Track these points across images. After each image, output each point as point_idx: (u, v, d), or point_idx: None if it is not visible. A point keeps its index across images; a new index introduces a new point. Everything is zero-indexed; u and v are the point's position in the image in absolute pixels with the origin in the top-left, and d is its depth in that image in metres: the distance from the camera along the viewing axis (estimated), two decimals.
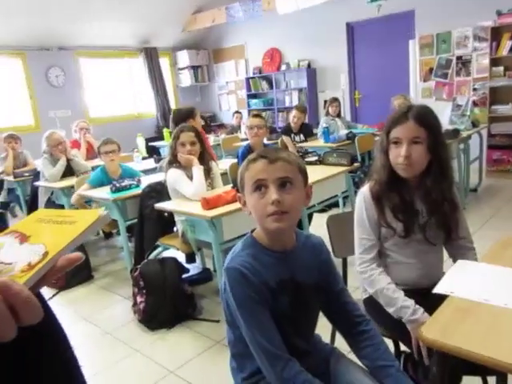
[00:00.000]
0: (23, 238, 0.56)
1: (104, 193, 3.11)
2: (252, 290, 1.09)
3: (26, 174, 4.59)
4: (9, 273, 0.48)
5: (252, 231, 1.21)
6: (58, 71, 6.95)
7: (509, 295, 1.08)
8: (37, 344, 0.45)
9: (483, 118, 5.43)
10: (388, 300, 1.46)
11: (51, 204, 3.92)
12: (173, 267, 2.71)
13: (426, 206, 1.50)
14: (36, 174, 4.49)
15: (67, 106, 7.01)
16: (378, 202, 1.53)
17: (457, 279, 1.20)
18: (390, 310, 1.45)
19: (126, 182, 3.11)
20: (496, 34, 5.32)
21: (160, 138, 6.80)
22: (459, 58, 5.83)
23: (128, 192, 3.08)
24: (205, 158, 2.74)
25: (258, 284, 1.09)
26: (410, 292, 1.47)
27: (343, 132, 4.98)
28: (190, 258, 3.06)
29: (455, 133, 4.24)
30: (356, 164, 3.38)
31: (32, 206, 4.31)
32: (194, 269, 3.20)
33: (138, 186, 3.18)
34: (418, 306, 1.39)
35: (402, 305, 1.42)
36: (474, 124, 4.83)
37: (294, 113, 5.05)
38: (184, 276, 2.96)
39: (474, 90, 5.73)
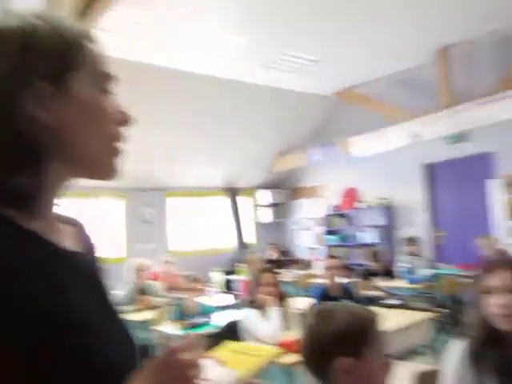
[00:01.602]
0: (221, 363, 0.71)
1: (177, 329, 3.13)
2: None
3: None
4: None
5: None
6: (149, 209, 7.69)
7: None
8: None
9: None
10: None
11: None
12: None
13: None
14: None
15: (153, 240, 7.58)
16: (475, 362, 1.36)
17: None
18: None
19: (200, 319, 3.14)
20: None
21: (234, 272, 6.95)
22: None
23: (201, 330, 3.08)
24: (282, 298, 2.73)
25: None
26: None
27: (426, 272, 4.75)
28: None
29: None
30: (441, 309, 3.14)
31: None
32: None
33: (208, 323, 3.18)
34: None
35: None
36: None
37: (371, 266, 5.01)
38: None
39: None
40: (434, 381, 1.56)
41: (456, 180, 6.59)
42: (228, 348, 0.84)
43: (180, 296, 3.82)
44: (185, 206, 8.34)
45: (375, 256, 5.07)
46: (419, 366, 3.73)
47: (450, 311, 3.86)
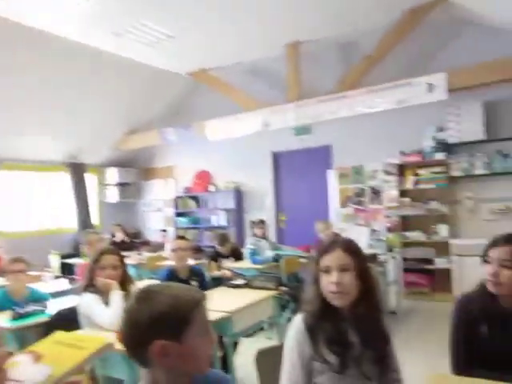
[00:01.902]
0: (37, 358, 0.65)
1: (2, 320, 2.71)
2: None
3: None
4: None
5: None
6: None
7: None
8: None
9: (397, 243, 5.83)
10: None
11: None
12: None
13: (359, 338, 1.46)
14: None
15: None
16: (311, 334, 1.47)
17: None
18: None
19: (31, 308, 2.77)
20: (401, 169, 6.03)
21: (79, 255, 6.42)
22: (372, 188, 6.43)
23: (32, 319, 2.72)
24: (126, 281, 2.56)
25: None
26: None
27: (269, 253, 5.04)
28: None
29: (372, 257, 4.46)
30: (283, 288, 3.35)
31: None
32: None
33: (43, 312, 2.83)
34: None
35: None
36: (390, 248, 5.16)
37: (219, 248, 5.08)
38: None
39: (387, 217, 6.24)
40: (276, 355, 1.61)
41: (300, 169, 7.15)
42: (51, 340, 0.72)
43: (5, 282, 3.32)
44: (20, 181, 7.32)
45: (225, 238, 5.17)
46: (263, 342, 3.96)
47: (291, 289, 4.17)
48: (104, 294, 2.45)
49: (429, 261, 5.79)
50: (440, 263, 5.67)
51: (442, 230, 5.72)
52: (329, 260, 1.47)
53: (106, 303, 2.41)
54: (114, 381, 2.30)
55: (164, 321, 0.97)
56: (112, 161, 8.54)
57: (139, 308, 0.99)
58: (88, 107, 6.79)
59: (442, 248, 5.64)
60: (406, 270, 5.84)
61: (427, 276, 5.82)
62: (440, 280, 5.75)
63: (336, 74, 6.07)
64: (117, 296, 2.39)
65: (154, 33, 5.46)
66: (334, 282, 1.42)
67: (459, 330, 1.59)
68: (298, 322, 1.52)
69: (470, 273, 5.14)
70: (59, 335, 0.78)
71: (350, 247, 1.50)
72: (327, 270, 1.47)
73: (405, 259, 5.88)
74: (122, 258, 2.56)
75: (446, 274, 5.56)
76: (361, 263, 1.48)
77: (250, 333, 3.86)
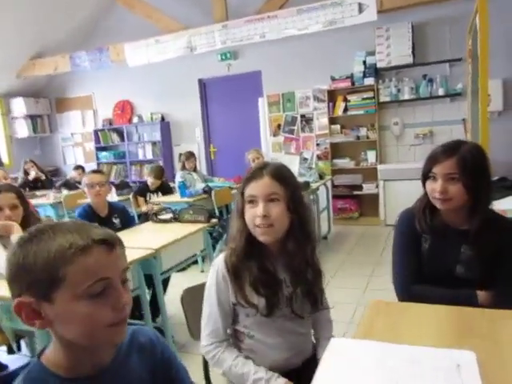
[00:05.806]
0: None
1: None
2: None
3: None
4: None
5: (40, 354, 0.81)
6: None
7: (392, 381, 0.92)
8: None
9: (327, 171, 5.87)
10: (239, 377, 1.26)
11: None
12: None
13: (289, 275, 1.30)
14: None
15: None
16: (235, 275, 1.28)
17: (335, 365, 1.01)
18: None
19: None
20: (331, 96, 5.91)
21: None
22: (303, 116, 6.29)
23: None
24: (30, 222, 2.22)
25: None
26: (280, 374, 1.26)
27: (200, 186, 4.82)
28: (10, 350, 2.41)
29: (306, 185, 4.41)
30: (213, 220, 3.19)
31: None
32: (16, 360, 2.53)
33: None
34: (271, 373, 1.24)
35: (254, 378, 1.24)
36: (321, 176, 5.16)
37: (150, 180, 4.77)
38: (2, 374, 2.31)
39: (318, 145, 6.21)
40: (201, 294, 1.44)
41: (230, 97, 6.79)
42: None
43: None
44: None
45: (162, 171, 4.87)
46: (196, 275, 3.88)
47: (222, 221, 4.04)
48: (3, 237, 2.11)
49: (357, 187, 5.92)
50: (368, 189, 5.82)
51: (370, 156, 5.81)
52: (254, 189, 1.25)
53: (7, 247, 2.09)
54: (24, 332, 2.06)
55: (30, 273, 0.72)
56: (18, 90, 7.56)
57: (13, 254, 0.75)
58: None
59: (370, 174, 5.76)
60: (336, 197, 5.96)
61: (356, 201, 5.98)
62: (368, 205, 5.94)
63: None
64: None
65: None
66: (261, 215, 1.22)
67: (403, 245, 1.54)
68: (218, 263, 1.32)
69: (395, 196, 5.33)
70: None
71: (280, 173, 1.28)
72: (253, 201, 1.25)
73: (334, 186, 5.97)
74: (21, 195, 2.20)
75: (373, 198, 5.74)
76: (292, 192, 1.27)
77: (184, 267, 3.73)
